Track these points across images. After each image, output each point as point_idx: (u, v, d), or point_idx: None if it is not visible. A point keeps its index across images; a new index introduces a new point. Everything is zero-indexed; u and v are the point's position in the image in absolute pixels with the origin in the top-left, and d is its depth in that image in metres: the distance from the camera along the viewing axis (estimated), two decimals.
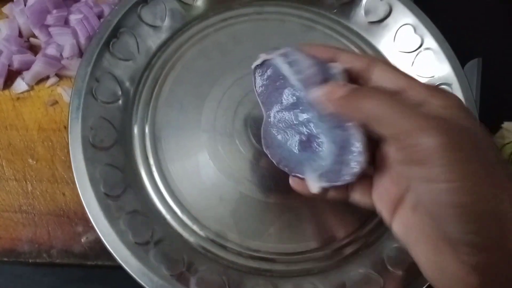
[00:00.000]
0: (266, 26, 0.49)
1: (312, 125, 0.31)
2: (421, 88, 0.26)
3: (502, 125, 0.52)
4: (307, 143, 0.32)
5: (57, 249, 0.41)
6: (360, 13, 0.49)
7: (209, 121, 0.43)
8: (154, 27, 0.46)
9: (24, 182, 0.43)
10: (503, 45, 0.60)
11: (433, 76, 0.46)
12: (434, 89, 0.26)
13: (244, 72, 0.45)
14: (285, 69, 0.31)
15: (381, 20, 0.48)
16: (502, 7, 0.62)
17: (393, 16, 0.48)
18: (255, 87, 0.35)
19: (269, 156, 0.35)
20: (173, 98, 0.44)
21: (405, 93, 0.26)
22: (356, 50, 0.48)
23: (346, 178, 0.29)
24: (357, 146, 0.28)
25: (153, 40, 0.46)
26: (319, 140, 0.31)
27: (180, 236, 0.40)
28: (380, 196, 0.30)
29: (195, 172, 0.42)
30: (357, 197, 0.31)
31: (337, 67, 0.30)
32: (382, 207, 0.29)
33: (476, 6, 0.61)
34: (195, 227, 0.40)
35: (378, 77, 0.29)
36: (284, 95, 0.33)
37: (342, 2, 0.49)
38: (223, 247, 0.40)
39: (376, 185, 0.30)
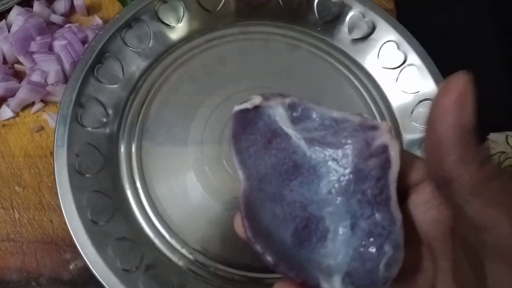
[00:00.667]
0: (251, 46, 0.49)
1: (314, 205, 0.23)
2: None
3: (488, 136, 0.52)
4: (305, 231, 0.23)
5: (46, 277, 0.41)
6: (344, 31, 0.49)
7: (196, 142, 0.43)
8: (138, 50, 0.46)
9: (11, 210, 0.43)
10: (486, 58, 0.60)
11: (417, 92, 0.46)
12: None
13: (230, 92, 0.45)
14: (286, 124, 0.24)
15: (364, 37, 0.49)
16: (485, 21, 0.62)
17: (376, 33, 0.48)
18: (232, 138, 0.25)
19: (260, 252, 0.21)
20: (160, 121, 0.45)
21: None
22: (341, 67, 0.48)
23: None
24: (396, 233, 0.21)
25: (138, 64, 0.46)
26: (325, 225, 0.23)
27: (169, 260, 0.40)
28: None
29: (182, 195, 0.42)
30: None
31: (382, 138, 0.22)
32: None
33: (459, 21, 0.62)
34: (183, 251, 0.40)
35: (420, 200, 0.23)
36: (277, 159, 0.24)
37: (325, 20, 0.49)
38: (213, 269, 0.40)
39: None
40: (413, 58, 0.47)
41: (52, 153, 0.45)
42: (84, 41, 0.47)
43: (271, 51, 0.49)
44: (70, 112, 0.41)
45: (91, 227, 0.38)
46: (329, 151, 0.23)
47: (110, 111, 0.44)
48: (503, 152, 0.52)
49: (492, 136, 0.53)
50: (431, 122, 0.20)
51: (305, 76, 0.47)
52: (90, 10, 0.52)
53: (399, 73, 0.47)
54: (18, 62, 0.48)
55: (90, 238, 0.38)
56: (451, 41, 0.58)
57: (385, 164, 0.21)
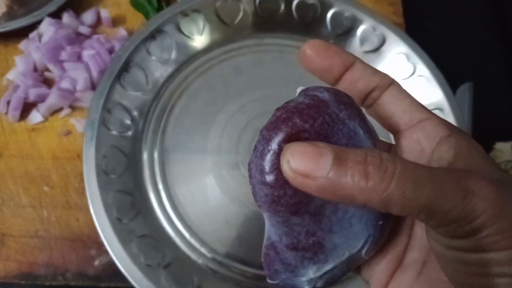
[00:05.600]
0: (266, 57, 0.52)
1: None
2: (438, 125, 0.23)
3: (494, 146, 0.54)
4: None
5: (72, 272, 0.43)
6: (355, 43, 0.52)
7: (214, 147, 0.46)
8: (161, 60, 0.49)
9: (40, 208, 0.45)
10: (492, 68, 0.63)
11: (426, 102, 0.49)
12: (448, 127, 0.23)
13: (246, 101, 0.48)
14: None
15: (375, 50, 0.51)
16: (490, 33, 0.65)
17: (386, 46, 0.51)
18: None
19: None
20: (180, 126, 0.47)
21: (423, 129, 0.23)
22: None
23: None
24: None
25: (161, 73, 0.49)
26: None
27: (189, 258, 0.42)
28: (372, 260, 0.24)
29: (202, 196, 0.44)
30: None
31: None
32: (374, 273, 0.24)
33: (466, 32, 0.64)
34: (203, 250, 0.42)
35: (390, 100, 0.24)
36: None
37: (338, 33, 0.52)
38: (230, 267, 0.42)
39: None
40: (422, 69, 0.49)
41: (79, 156, 0.47)
42: (110, 51, 0.50)
43: (285, 62, 0.51)
44: (98, 116, 0.44)
45: (117, 224, 0.41)
46: None
47: (134, 117, 0.46)
48: (509, 161, 0.54)
49: (498, 145, 0.55)
50: None
51: None
52: (115, 22, 0.55)
53: (408, 84, 0.50)
54: (48, 70, 0.50)
55: (116, 234, 0.40)
56: (457, 52, 0.60)
57: None
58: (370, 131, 0.22)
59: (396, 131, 0.24)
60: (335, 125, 0.21)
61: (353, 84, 0.24)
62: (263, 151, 0.20)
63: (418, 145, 0.23)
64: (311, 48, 0.24)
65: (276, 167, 0.20)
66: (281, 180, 0.20)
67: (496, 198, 0.19)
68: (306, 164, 0.18)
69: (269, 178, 0.20)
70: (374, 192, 0.18)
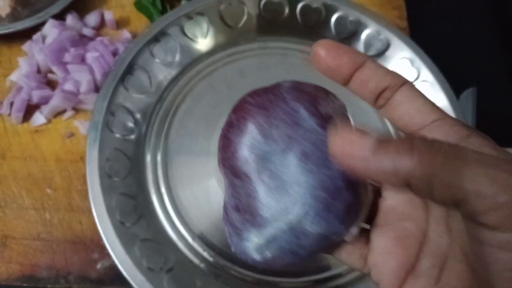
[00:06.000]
0: (269, 60, 0.52)
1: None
2: (453, 126, 0.22)
3: None
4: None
5: (74, 275, 0.43)
6: (360, 48, 0.51)
7: (217, 150, 0.46)
8: (165, 63, 0.48)
9: (43, 210, 0.45)
10: (496, 72, 0.63)
11: None
12: (465, 127, 0.22)
13: None
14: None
15: (379, 54, 0.51)
16: (496, 37, 0.65)
17: (391, 51, 0.51)
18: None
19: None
20: (184, 129, 0.47)
21: (441, 128, 0.22)
22: None
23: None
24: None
25: (164, 75, 0.48)
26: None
27: (191, 262, 0.42)
28: (381, 261, 0.24)
29: (205, 200, 0.44)
30: (343, 255, 0.26)
31: None
32: (384, 275, 0.23)
33: (470, 36, 0.64)
34: (205, 254, 0.42)
35: (401, 100, 0.23)
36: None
37: (342, 37, 0.52)
38: (232, 272, 0.42)
39: (375, 247, 0.24)
40: (426, 74, 0.49)
41: (82, 158, 0.47)
42: (114, 53, 0.50)
43: (289, 66, 0.51)
44: (102, 119, 0.44)
45: (119, 227, 0.41)
46: None
47: (137, 119, 0.46)
48: None
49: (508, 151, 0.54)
50: None
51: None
52: (119, 24, 0.55)
53: None
54: (51, 72, 0.50)
55: (119, 238, 0.40)
56: (460, 56, 0.60)
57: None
58: (319, 115, 0.23)
59: (408, 132, 0.24)
60: (277, 102, 0.23)
61: (363, 84, 0.24)
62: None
63: None
64: (322, 48, 0.23)
65: (223, 134, 0.24)
66: (225, 145, 0.24)
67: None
68: (351, 145, 0.20)
69: (219, 144, 0.25)
70: (418, 165, 0.18)
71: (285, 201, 0.22)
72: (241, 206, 0.24)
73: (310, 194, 0.22)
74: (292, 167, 0.22)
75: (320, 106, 0.24)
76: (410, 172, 0.18)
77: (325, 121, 0.23)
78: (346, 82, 0.24)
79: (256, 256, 0.24)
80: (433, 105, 0.23)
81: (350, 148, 0.20)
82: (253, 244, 0.24)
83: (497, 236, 0.18)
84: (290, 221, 0.23)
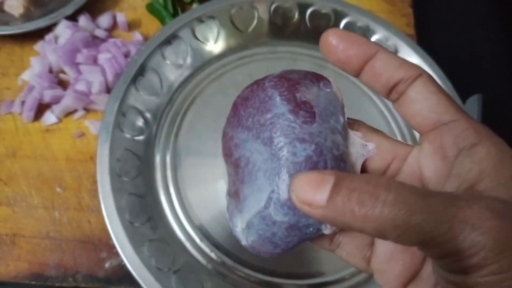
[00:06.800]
0: (279, 64, 0.52)
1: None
2: (465, 130, 0.21)
3: None
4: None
5: (82, 274, 0.43)
6: None
7: None
8: (176, 65, 0.49)
9: (52, 209, 0.46)
10: (502, 80, 0.63)
11: None
12: (478, 131, 0.21)
13: None
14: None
15: None
16: (501, 45, 0.65)
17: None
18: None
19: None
20: (193, 131, 0.47)
21: (452, 131, 0.21)
22: (364, 87, 0.51)
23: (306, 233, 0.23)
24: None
25: (175, 77, 0.49)
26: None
27: (199, 262, 0.42)
28: (386, 266, 0.23)
29: (213, 201, 0.44)
30: (344, 254, 0.25)
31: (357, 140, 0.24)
32: (388, 280, 0.23)
33: (476, 44, 0.64)
34: (212, 255, 0.43)
35: (414, 97, 0.22)
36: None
37: None
38: (239, 273, 0.42)
39: (380, 252, 0.24)
40: None
41: (92, 158, 0.48)
42: (126, 55, 0.50)
43: None
44: (113, 120, 0.44)
45: (129, 227, 0.41)
46: None
47: (148, 120, 0.47)
48: None
49: None
50: None
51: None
52: (131, 26, 0.55)
53: None
54: (63, 72, 0.51)
55: (128, 237, 0.40)
56: (466, 63, 0.61)
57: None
58: (294, 102, 0.23)
59: (420, 132, 0.23)
60: (257, 91, 0.24)
61: (375, 77, 0.22)
62: None
63: (441, 152, 0.21)
64: (334, 36, 0.22)
65: (223, 130, 0.26)
66: (222, 136, 0.26)
67: (499, 233, 0.17)
68: (307, 193, 0.19)
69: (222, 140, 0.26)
70: (367, 220, 0.18)
71: (256, 188, 0.23)
72: (230, 192, 0.25)
73: (274, 182, 0.22)
74: (263, 154, 0.23)
75: (298, 92, 0.23)
76: (361, 228, 0.18)
77: (299, 107, 0.23)
78: (357, 74, 0.23)
79: (243, 241, 0.24)
80: (447, 103, 0.21)
81: (307, 196, 0.19)
82: (239, 229, 0.24)
83: (465, 278, 0.18)
84: (260, 208, 0.23)
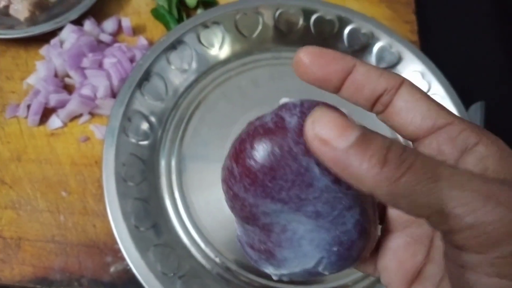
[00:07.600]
0: (283, 70, 0.52)
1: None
2: (463, 131, 0.20)
3: None
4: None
5: (87, 278, 0.43)
6: (371, 60, 0.52)
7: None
8: (181, 70, 0.49)
9: (57, 213, 0.46)
10: (505, 87, 0.63)
11: None
12: (476, 132, 0.20)
13: (262, 113, 0.48)
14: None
15: (391, 67, 0.52)
16: (504, 52, 0.65)
17: (402, 64, 0.51)
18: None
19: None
20: (198, 136, 0.48)
21: (448, 133, 0.21)
22: None
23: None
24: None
25: (180, 82, 0.49)
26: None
27: (203, 267, 0.43)
28: (390, 265, 0.24)
29: (217, 207, 0.45)
30: (359, 266, 0.26)
31: None
32: (392, 280, 0.24)
33: (479, 52, 0.65)
34: (217, 260, 0.43)
35: (403, 106, 0.21)
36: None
37: (354, 49, 0.53)
38: (244, 279, 0.42)
39: (384, 252, 0.25)
40: (437, 87, 0.50)
41: (97, 162, 0.48)
42: (132, 60, 0.50)
43: None
44: (118, 124, 0.44)
45: (134, 232, 0.41)
46: None
47: (153, 125, 0.47)
48: None
49: None
50: None
51: (333, 101, 0.50)
52: (136, 31, 0.56)
53: None
54: (68, 76, 0.51)
55: (134, 242, 0.40)
56: (471, 71, 0.61)
57: None
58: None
59: (413, 140, 0.22)
60: (282, 159, 0.20)
61: (358, 91, 0.21)
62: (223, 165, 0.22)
63: (439, 155, 0.21)
64: (307, 55, 0.21)
65: (226, 181, 0.22)
66: (230, 195, 0.22)
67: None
68: (329, 131, 0.17)
69: (223, 187, 0.22)
70: (385, 180, 0.17)
71: (301, 254, 0.22)
72: (255, 247, 0.23)
73: (325, 250, 0.22)
74: (305, 224, 0.21)
75: None
76: (375, 186, 0.17)
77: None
78: (337, 90, 0.22)
79: (273, 276, 0.24)
80: (437, 108, 0.21)
81: (326, 133, 0.17)
82: (269, 270, 0.24)
83: (470, 257, 0.18)
84: (308, 267, 0.23)
